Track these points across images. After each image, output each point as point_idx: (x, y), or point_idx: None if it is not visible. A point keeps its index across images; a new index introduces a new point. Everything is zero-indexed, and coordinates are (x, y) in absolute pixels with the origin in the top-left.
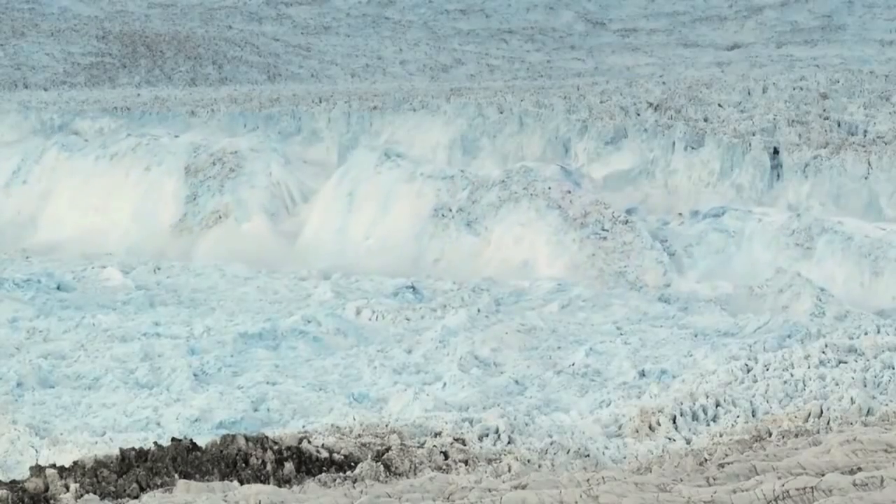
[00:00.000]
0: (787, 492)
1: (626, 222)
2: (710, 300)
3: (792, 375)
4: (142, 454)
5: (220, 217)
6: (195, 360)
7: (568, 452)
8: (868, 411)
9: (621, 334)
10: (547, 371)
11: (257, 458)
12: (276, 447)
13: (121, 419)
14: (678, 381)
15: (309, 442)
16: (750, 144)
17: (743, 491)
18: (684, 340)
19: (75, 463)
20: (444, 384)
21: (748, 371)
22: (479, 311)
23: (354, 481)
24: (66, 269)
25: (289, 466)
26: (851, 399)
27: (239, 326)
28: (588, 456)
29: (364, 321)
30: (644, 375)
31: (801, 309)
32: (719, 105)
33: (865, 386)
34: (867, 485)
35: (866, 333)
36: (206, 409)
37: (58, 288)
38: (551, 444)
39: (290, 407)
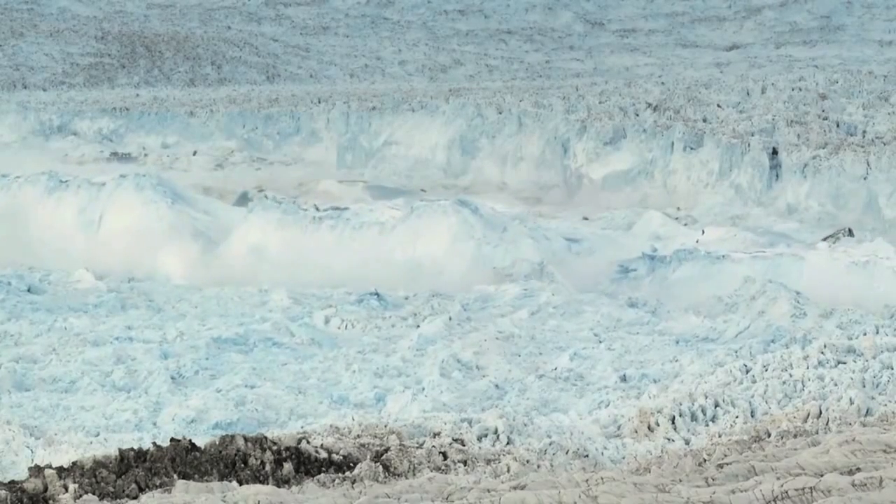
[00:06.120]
0: (786, 492)
1: (543, 271)
2: (685, 308)
3: (791, 376)
4: (140, 454)
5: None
6: (171, 363)
7: (567, 453)
8: (867, 412)
9: (600, 341)
10: (529, 375)
11: (256, 459)
12: (274, 447)
13: (100, 422)
14: (677, 381)
15: (308, 442)
16: (749, 145)
17: (742, 491)
18: (667, 346)
19: (74, 463)
20: (423, 388)
21: (747, 372)
22: (450, 318)
23: (353, 482)
24: (36, 272)
25: (288, 467)
26: (850, 399)
27: (212, 331)
28: (587, 456)
29: (334, 330)
30: (625, 380)
31: (780, 313)
32: (718, 105)
33: (864, 386)
34: (866, 485)
35: (865, 334)
36: (202, 410)
37: (28, 290)
38: (550, 444)
39: (273, 411)
